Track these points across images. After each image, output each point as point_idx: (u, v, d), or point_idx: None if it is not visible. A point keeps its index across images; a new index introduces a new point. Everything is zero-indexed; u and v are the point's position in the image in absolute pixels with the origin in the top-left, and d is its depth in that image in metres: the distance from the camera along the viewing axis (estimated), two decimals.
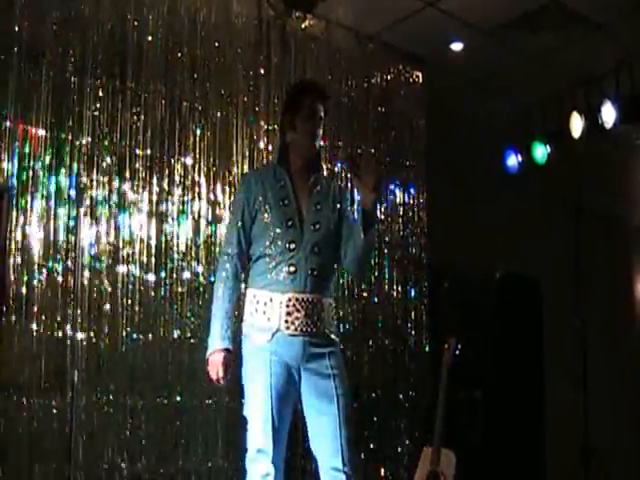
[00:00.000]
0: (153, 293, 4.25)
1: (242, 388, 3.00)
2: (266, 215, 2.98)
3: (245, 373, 2.97)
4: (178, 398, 4.22)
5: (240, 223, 3.03)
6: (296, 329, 2.89)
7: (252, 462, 2.86)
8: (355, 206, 3.02)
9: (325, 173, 4.53)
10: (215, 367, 2.94)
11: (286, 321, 2.89)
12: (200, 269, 4.41)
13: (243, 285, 3.16)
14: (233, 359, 2.99)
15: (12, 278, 3.85)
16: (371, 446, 4.92)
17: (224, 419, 4.31)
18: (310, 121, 3.05)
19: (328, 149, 4.91)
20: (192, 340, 4.29)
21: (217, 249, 4.44)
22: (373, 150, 5.28)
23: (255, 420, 2.87)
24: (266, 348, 2.89)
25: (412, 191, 5.50)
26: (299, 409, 3.01)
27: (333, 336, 3.00)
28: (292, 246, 2.94)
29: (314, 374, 2.91)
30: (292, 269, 2.91)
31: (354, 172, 2.97)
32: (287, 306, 2.89)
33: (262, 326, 2.91)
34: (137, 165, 4.30)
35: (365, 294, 5.11)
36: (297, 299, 2.90)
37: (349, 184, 4.66)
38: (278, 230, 2.95)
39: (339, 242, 3.06)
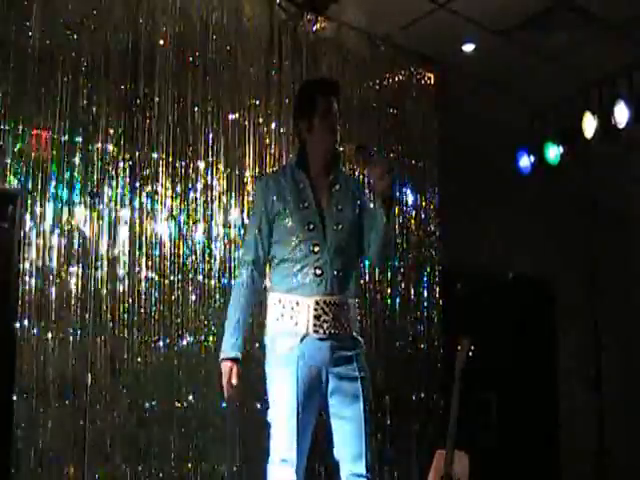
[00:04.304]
0: (167, 297, 4.26)
1: (257, 391, 3.00)
2: (287, 219, 2.95)
3: (270, 379, 2.94)
4: (192, 402, 4.23)
5: (257, 230, 3.00)
6: (325, 332, 2.86)
7: (275, 470, 2.83)
8: (371, 195, 2.99)
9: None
10: (223, 375, 2.92)
11: (315, 325, 2.86)
12: (213, 273, 4.42)
13: (266, 288, 3.11)
14: (240, 369, 2.94)
15: (26, 283, 3.88)
16: (384, 448, 4.91)
17: (238, 423, 4.31)
18: (327, 118, 3.02)
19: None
20: (205, 344, 4.30)
21: (230, 252, 4.45)
22: (385, 152, 5.27)
23: (280, 428, 2.84)
24: (294, 353, 2.85)
25: (424, 192, 5.49)
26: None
27: (359, 337, 2.98)
28: (316, 249, 2.91)
29: (342, 378, 2.89)
30: (318, 272, 2.89)
31: (365, 161, 2.97)
32: (315, 309, 2.86)
33: (289, 330, 2.88)
34: (150, 169, 4.31)
35: (378, 296, 5.11)
36: (325, 302, 2.88)
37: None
38: (300, 234, 2.93)
39: (361, 239, 3.03)
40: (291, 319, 2.89)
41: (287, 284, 2.93)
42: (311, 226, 2.94)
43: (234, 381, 2.90)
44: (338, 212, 3.00)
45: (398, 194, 5.32)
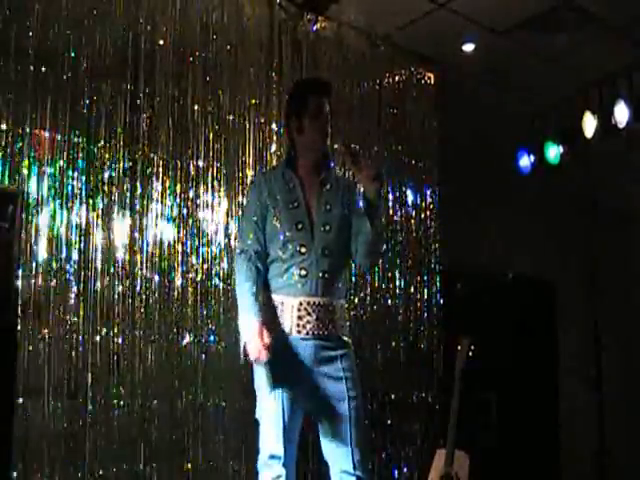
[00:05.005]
0: (166, 296, 4.26)
1: (254, 390, 3.00)
2: (276, 218, 2.96)
3: (257, 377, 2.95)
4: (192, 401, 4.23)
5: (255, 225, 2.98)
6: (307, 333, 2.88)
7: (264, 467, 2.86)
8: (359, 198, 2.99)
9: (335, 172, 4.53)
10: (253, 342, 2.78)
11: (298, 325, 2.88)
12: (214, 273, 4.41)
13: None
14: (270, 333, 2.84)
15: (26, 283, 3.87)
16: (384, 448, 4.92)
17: (237, 421, 4.31)
18: (318, 118, 3.02)
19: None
20: (205, 343, 4.30)
21: (231, 252, 4.45)
22: (385, 152, 5.28)
23: (267, 424, 2.87)
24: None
25: (424, 192, 5.49)
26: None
27: (345, 338, 2.99)
28: (303, 249, 2.92)
29: (326, 377, 2.90)
30: (303, 272, 2.90)
31: (354, 163, 2.96)
32: (299, 310, 2.88)
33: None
34: (150, 168, 4.31)
35: (378, 296, 5.11)
36: (308, 303, 2.89)
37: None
38: (288, 233, 2.94)
39: (350, 241, 3.04)
40: None
41: (274, 284, 2.95)
42: (299, 226, 2.95)
43: (267, 339, 2.79)
44: (327, 212, 3.00)
45: (398, 194, 5.33)
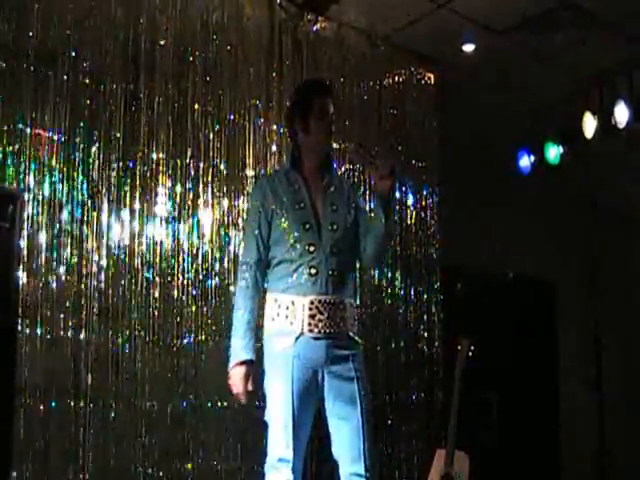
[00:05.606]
0: (166, 296, 4.26)
1: (259, 392, 2.99)
2: (283, 220, 2.97)
3: (266, 379, 2.94)
4: (192, 402, 4.23)
5: (257, 231, 3.01)
6: (320, 331, 2.87)
7: (273, 470, 2.84)
8: (363, 197, 3.01)
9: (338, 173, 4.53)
10: (236, 381, 2.90)
11: (309, 324, 2.87)
12: (214, 273, 4.41)
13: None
14: (257, 369, 2.94)
15: (26, 283, 3.87)
16: (385, 448, 4.91)
17: (238, 422, 4.31)
18: (324, 120, 3.04)
19: (341, 151, 4.91)
20: (206, 344, 4.30)
21: (231, 252, 4.45)
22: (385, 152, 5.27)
23: (277, 427, 2.85)
24: (289, 352, 2.86)
25: (424, 192, 5.50)
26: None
27: (356, 338, 2.99)
28: (312, 249, 2.92)
29: (338, 377, 2.89)
30: (313, 271, 2.90)
31: (369, 160, 2.99)
32: (310, 309, 2.87)
33: (285, 330, 2.89)
34: (150, 169, 4.31)
35: (378, 296, 5.11)
36: (320, 301, 2.88)
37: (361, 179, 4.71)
38: (296, 234, 2.94)
39: (357, 240, 3.05)
40: (286, 318, 2.90)
41: (283, 284, 2.94)
42: (307, 226, 2.96)
43: (250, 387, 2.90)
44: (333, 212, 3.02)
45: (398, 194, 5.33)
